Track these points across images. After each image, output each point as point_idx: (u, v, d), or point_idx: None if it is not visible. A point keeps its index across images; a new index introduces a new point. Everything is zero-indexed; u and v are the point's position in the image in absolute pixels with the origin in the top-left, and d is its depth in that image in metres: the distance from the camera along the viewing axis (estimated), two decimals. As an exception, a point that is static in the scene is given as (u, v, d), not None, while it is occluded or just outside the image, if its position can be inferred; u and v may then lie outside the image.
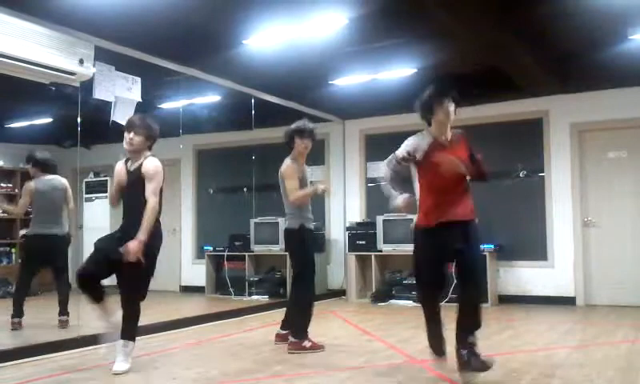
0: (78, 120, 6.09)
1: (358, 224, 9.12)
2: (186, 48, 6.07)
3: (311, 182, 5.54)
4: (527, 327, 6.43)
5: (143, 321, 6.38)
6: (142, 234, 4.33)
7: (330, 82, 7.56)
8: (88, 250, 10.75)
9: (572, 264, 8.04)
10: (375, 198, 9.28)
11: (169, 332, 6.16)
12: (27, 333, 5.52)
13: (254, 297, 9.21)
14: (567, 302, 7.95)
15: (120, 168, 4.66)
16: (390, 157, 4.37)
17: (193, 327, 6.58)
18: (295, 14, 5.36)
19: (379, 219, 8.69)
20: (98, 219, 10.57)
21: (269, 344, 5.42)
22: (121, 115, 6.01)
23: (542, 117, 8.32)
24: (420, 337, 5.44)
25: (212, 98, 8.28)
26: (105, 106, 5.91)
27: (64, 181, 6.68)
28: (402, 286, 8.45)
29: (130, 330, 4.53)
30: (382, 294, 8.58)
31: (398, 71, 7.10)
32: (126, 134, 4.55)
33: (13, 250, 10.65)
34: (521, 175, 8.36)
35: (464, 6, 5.01)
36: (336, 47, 6.19)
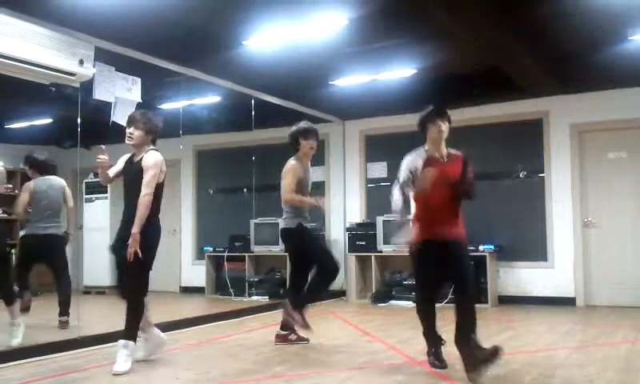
0: (78, 121, 6.09)
1: (358, 224, 9.12)
2: (186, 49, 6.08)
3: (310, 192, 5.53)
4: (527, 328, 6.43)
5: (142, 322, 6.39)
6: (135, 227, 4.37)
7: (330, 83, 7.56)
8: (88, 250, 10.87)
9: (572, 264, 8.04)
10: (375, 199, 9.29)
11: (169, 333, 6.13)
12: (28, 333, 5.51)
13: (254, 297, 9.21)
14: (567, 302, 7.95)
15: (122, 158, 4.80)
16: (398, 183, 4.39)
17: (193, 328, 6.58)
18: (295, 14, 5.36)
19: (379, 220, 8.69)
20: (98, 219, 10.59)
21: (269, 345, 5.42)
22: (121, 116, 6.00)
23: (542, 117, 8.32)
24: (420, 338, 5.45)
25: (212, 99, 8.28)
26: (105, 107, 5.91)
27: (62, 181, 6.67)
28: (402, 286, 8.45)
29: (131, 329, 4.52)
30: (382, 295, 8.58)
31: (398, 72, 7.10)
32: (127, 129, 4.66)
33: (13, 251, 10.63)
34: (521, 176, 8.36)
35: (464, 6, 5.01)
36: (336, 48, 6.19)
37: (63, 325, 6.32)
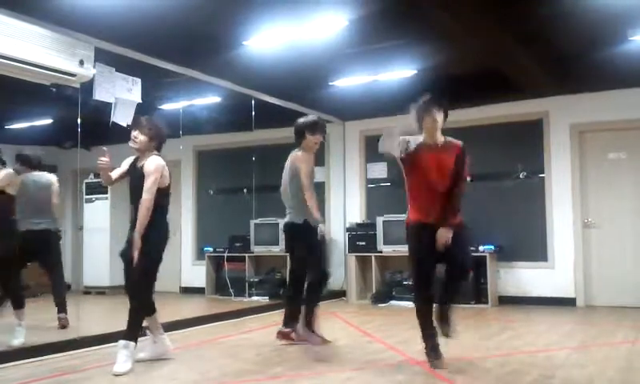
0: (78, 121, 6.09)
1: (358, 225, 9.12)
2: (186, 49, 6.08)
3: None
4: (527, 328, 6.43)
5: (143, 322, 6.39)
6: (136, 232, 4.44)
7: (330, 83, 7.56)
8: (88, 250, 10.85)
9: (572, 265, 8.04)
10: (375, 199, 9.29)
11: (169, 333, 6.13)
12: (27, 334, 5.51)
13: (254, 298, 9.21)
14: (567, 302, 7.95)
15: (127, 161, 4.84)
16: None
17: (193, 328, 6.58)
18: (295, 15, 5.36)
19: (379, 220, 8.69)
20: (98, 220, 10.58)
21: (269, 345, 5.42)
22: (121, 116, 6.01)
23: (542, 118, 8.32)
24: (420, 338, 5.45)
25: (212, 99, 8.28)
26: (105, 108, 5.91)
27: (51, 177, 6.57)
28: (402, 286, 8.45)
29: (132, 330, 4.54)
30: (382, 295, 8.58)
31: (398, 72, 7.10)
32: (132, 132, 4.71)
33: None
34: (521, 176, 8.36)
35: (464, 7, 5.01)
36: (336, 48, 6.19)
37: (63, 322, 6.31)
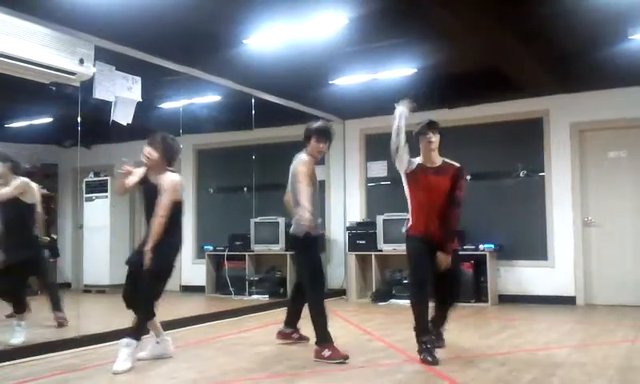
0: (78, 120, 6.09)
1: (358, 224, 9.12)
2: (186, 48, 6.07)
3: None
4: (527, 327, 6.43)
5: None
6: (148, 245, 4.52)
7: (331, 82, 7.56)
8: (88, 249, 10.85)
9: (572, 264, 8.04)
10: (375, 198, 9.29)
11: (169, 331, 6.14)
12: (26, 332, 5.51)
13: (254, 296, 9.21)
14: (567, 301, 7.95)
15: (138, 172, 4.86)
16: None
17: (193, 327, 6.58)
18: (295, 13, 5.36)
19: (379, 219, 8.69)
20: (98, 219, 10.59)
21: (269, 343, 5.42)
22: (121, 115, 6.01)
23: (542, 116, 8.32)
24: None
25: (212, 98, 8.28)
26: (105, 106, 5.91)
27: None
28: (402, 285, 8.44)
29: (136, 330, 4.57)
30: (383, 294, 8.58)
31: (398, 71, 7.10)
32: (145, 148, 4.75)
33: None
34: (521, 175, 8.36)
35: (464, 5, 5.01)
36: (336, 47, 6.19)
37: (61, 321, 6.28)
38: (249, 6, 5.22)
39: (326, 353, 4.62)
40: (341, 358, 4.58)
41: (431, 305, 4.83)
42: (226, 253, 9.64)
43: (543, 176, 8.27)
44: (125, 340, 4.49)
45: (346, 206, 9.58)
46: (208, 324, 6.82)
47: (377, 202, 9.16)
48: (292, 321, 5.40)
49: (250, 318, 7.38)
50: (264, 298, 9.00)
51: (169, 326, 6.27)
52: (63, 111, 7.89)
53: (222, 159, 10.55)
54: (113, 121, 5.96)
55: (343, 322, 6.76)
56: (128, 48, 5.85)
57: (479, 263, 8.04)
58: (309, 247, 4.92)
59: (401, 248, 8.22)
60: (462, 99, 8.33)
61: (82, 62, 5.32)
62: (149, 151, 4.73)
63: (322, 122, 5.13)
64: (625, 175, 7.93)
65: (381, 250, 8.65)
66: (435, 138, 4.74)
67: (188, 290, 10.37)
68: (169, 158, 4.79)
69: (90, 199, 10.74)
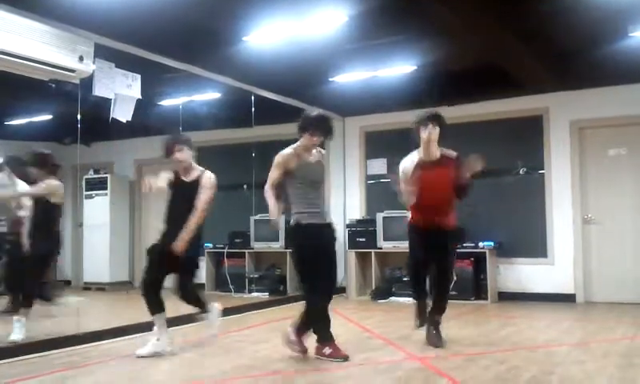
0: (78, 117, 6.08)
1: (358, 221, 9.12)
2: (185, 45, 6.07)
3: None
4: (527, 324, 6.44)
5: (143, 318, 6.40)
6: (187, 233, 4.87)
7: (330, 79, 7.55)
8: (88, 246, 10.84)
9: (572, 261, 8.04)
10: (375, 195, 9.28)
11: (169, 329, 6.15)
12: (28, 329, 5.51)
13: (254, 294, 9.21)
14: (567, 299, 7.95)
15: (165, 175, 5.11)
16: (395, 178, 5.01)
17: (192, 324, 6.57)
18: (295, 11, 5.35)
19: (379, 216, 8.69)
20: (97, 216, 10.59)
21: (269, 341, 5.42)
22: (121, 112, 6.01)
23: (542, 114, 8.31)
24: (420, 334, 5.45)
25: (212, 95, 8.27)
26: (105, 103, 5.91)
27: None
28: (402, 283, 8.45)
29: (202, 304, 5.25)
30: (382, 291, 8.59)
31: (398, 68, 7.09)
32: (176, 153, 4.98)
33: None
34: (521, 172, 8.36)
35: (464, 2, 5.01)
36: (336, 44, 6.18)
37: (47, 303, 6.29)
38: (249, 3, 5.21)
39: (327, 351, 4.59)
40: (341, 358, 4.55)
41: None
42: (225, 250, 9.63)
43: (543, 173, 8.26)
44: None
45: (346, 204, 9.57)
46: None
47: (377, 200, 9.16)
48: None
49: (249, 315, 7.38)
50: (264, 296, 9.00)
51: (169, 323, 6.27)
52: (63, 108, 7.88)
53: (222, 156, 10.50)
54: (112, 118, 5.96)
55: (343, 320, 6.77)
56: (128, 45, 5.84)
57: (479, 261, 8.04)
58: (296, 237, 4.73)
59: (401, 245, 8.30)
60: (462, 96, 8.32)
61: (81, 59, 5.31)
62: (183, 156, 5.01)
63: (317, 112, 4.96)
64: (625, 173, 7.93)
65: (380, 248, 8.65)
66: (435, 131, 4.81)
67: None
68: (193, 150, 5.20)
69: (90, 197, 10.74)
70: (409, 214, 5.25)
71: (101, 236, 10.44)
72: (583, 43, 6.33)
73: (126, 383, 4.24)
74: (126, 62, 5.93)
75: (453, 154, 4.95)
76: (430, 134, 4.80)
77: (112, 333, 5.68)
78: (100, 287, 10.19)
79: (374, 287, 8.68)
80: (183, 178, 5.07)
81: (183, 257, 4.89)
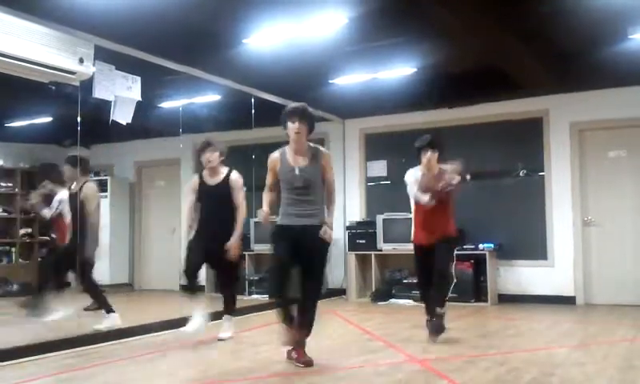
0: (78, 119, 6.08)
1: (358, 223, 9.12)
2: (186, 47, 6.07)
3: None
4: (527, 326, 6.43)
5: (143, 320, 6.41)
6: (239, 233, 5.39)
7: (330, 81, 7.56)
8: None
9: (572, 263, 8.04)
10: (375, 197, 9.29)
11: (169, 331, 6.16)
12: (28, 331, 5.51)
13: (254, 296, 9.21)
14: (567, 301, 7.94)
15: (193, 182, 5.63)
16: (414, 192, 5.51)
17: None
18: (295, 13, 5.36)
19: (379, 218, 8.69)
20: (98, 218, 10.56)
21: (269, 343, 5.41)
22: (121, 114, 6.01)
23: (542, 116, 8.31)
24: (420, 336, 5.46)
25: (212, 97, 8.27)
26: (105, 106, 5.91)
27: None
28: (402, 285, 8.46)
29: (231, 306, 5.75)
30: (382, 293, 8.58)
31: (398, 70, 7.10)
32: (206, 154, 5.46)
33: (13, 250, 10.66)
34: (521, 174, 8.36)
35: (464, 4, 5.01)
36: (336, 46, 6.19)
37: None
38: (249, 5, 5.22)
39: (294, 354, 4.52)
40: (303, 364, 4.41)
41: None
42: (225, 252, 9.62)
43: (543, 175, 8.27)
44: (226, 315, 5.64)
45: (346, 206, 9.57)
46: (208, 323, 6.79)
47: (376, 202, 9.16)
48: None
49: (249, 317, 7.37)
50: (264, 298, 8.98)
51: (169, 325, 6.28)
52: (63, 110, 7.89)
53: (222, 159, 10.53)
54: (112, 120, 5.96)
55: (343, 322, 6.77)
56: (128, 47, 5.85)
57: (479, 263, 8.04)
58: (271, 236, 4.71)
59: (401, 247, 8.30)
60: (462, 98, 8.32)
61: (81, 61, 5.31)
62: (214, 155, 5.48)
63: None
64: (625, 175, 7.93)
65: (380, 250, 8.65)
66: (434, 156, 5.43)
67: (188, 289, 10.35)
68: (222, 153, 5.64)
69: (90, 199, 10.71)
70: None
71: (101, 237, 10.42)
72: (583, 45, 6.34)
73: (126, 385, 4.25)
74: (126, 64, 5.94)
75: (447, 167, 5.40)
76: (429, 160, 5.43)
77: (113, 334, 5.67)
78: (100, 289, 10.16)
79: (373, 289, 8.68)
80: (209, 180, 5.49)
81: (222, 257, 5.37)
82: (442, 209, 5.43)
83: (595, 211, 8.04)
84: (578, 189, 8.08)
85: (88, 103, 5.91)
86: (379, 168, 9.31)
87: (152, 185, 11.17)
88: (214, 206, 5.43)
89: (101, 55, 5.59)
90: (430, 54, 6.53)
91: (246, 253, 9.46)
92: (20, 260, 10.63)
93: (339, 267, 9.36)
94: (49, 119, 9.14)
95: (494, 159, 8.43)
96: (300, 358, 4.46)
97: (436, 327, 5.34)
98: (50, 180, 7.54)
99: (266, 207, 4.68)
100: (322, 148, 4.73)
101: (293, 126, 4.48)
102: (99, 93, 5.73)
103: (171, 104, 8.39)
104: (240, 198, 5.51)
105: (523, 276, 8.26)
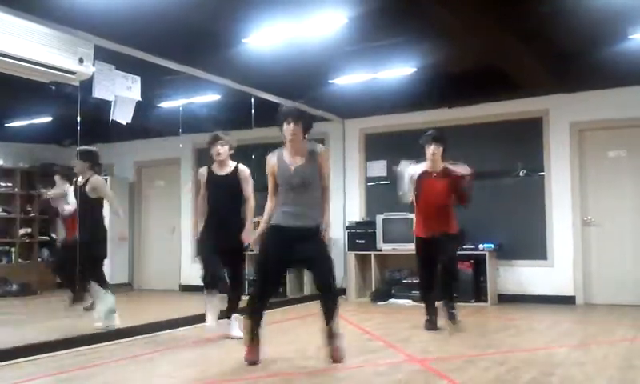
0: (78, 119, 6.08)
1: (358, 223, 9.12)
2: (185, 47, 6.07)
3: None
4: (527, 326, 6.44)
5: (143, 320, 6.41)
6: (250, 224, 5.62)
7: (330, 81, 7.56)
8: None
9: (572, 263, 8.04)
10: (375, 197, 9.28)
11: (168, 331, 6.17)
12: (28, 331, 5.51)
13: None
14: (567, 301, 7.94)
15: (203, 173, 5.69)
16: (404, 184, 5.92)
17: (192, 326, 6.57)
18: (295, 12, 5.36)
19: (379, 218, 8.69)
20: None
21: (268, 343, 5.40)
22: (120, 114, 6.00)
23: (542, 116, 8.31)
24: (420, 336, 5.46)
25: (212, 97, 8.27)
26: (104, 105, 5.91)
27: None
28: (402, 285, 8.46)
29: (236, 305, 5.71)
30: (382, 293, 8.58)
31: (398, 70, 7.10)
32: (217, 146, 5.52)
33: (12, 249, 10.66)
34: (521, 174, 8.36)
35: (464, 4, 5.01)
36: (336, 46, 6.19)
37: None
38: (248, 5, 5.22)
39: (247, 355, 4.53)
40: (249, 361, 4.47)
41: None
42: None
43: (543, 175, 8.27)
44: (235, 315, 5.64)
45: (346, 206, 9.57)
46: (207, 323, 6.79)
47: (376, 202, 9.16)
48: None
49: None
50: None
51: (168, 325, 6.29)
52: (63, 110, 7.89)
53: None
54: (112, 120, 5.95)
55: (342, 322, 6.74)
56: (128, 47, 5.85)
57: (479, 263, 8.04)
58: (265, 236, 4.67)
59: (400, 247, 8.31)
60: (462, 98, 8.33)
61: (81, 61, 5.31)
62: (225, 148, 5.55)
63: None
64: (624, 175, 7.93)
65: (380, 250, 8.65)
66: (438, 150, 5.71)
67: (187, 289, 10.34)
68: (233, 148, 5.73)
69: (90, 198, 10.71)
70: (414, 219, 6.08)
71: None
72: (583, 45, 6.34)
73: (126, 385, 4.25)
74: (126, 64, 5.93)
75: (456, 169, 5.74)
76: (433, 153, 5.70)
77: (113, 334, 5.67)
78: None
79: (373, 289, 8.68)
80: (218, 172, 5.59)
81: (237, 248, 5.54)
82: (444, 206, 5.68)
83: (595, 211, 8.05)
84: (577, 189, 8.08)
85: (88, 103, 5.91)
86: (379, 168, 9.31)
87: (152, 185, 11.17)
88: (223, 197, 5.54)
89: (101, 55, 5.59)
90: (429, 54, 6.53)
91: (246, 253, 9.44)
92: (19, 260, 10.63)
93: (339, 267, 9.35)
94: (49, 119, 9.14)
95: (493, 159, 8.42)
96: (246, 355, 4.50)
97: (453, 316, 5.77)
98: (60, 175, 7.56)
99: (266, 215, 4.70)
100: (318, 146, 4.71)
101: (288, 128, 4.51)
102: (99, 93, 5.73)
103: (171, 104, 8.39)
104: (249, 189, 5.65)
105: (523, 276, 8.26)
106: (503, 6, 5.17)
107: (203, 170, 5.71)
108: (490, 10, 5.19)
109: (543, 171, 8.27)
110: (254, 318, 4.57)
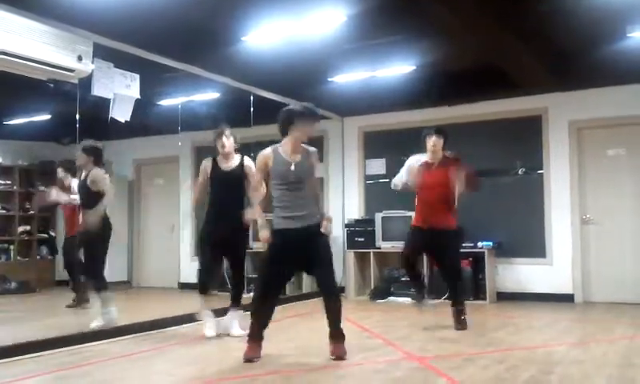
0: (77, 117, 6.08)
1: (357, 221, 9.12)
2: (184, 45, 6.07)
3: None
4: (526, 324, 6.44)
5: (142, 318, 6.41)
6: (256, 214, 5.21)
7: (329, 79, 7.55)
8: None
9: (570, 261, 8.04)
10: (374, 195, 9.28)
11: (167, 329, 6.17)
12: (27, 329, 5.51)
13: (252, 294, 9.18)
14: (566, 299, 7.95)
15: (206, 166, 5.67)
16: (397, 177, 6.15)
17: (191, 324, 6.57)
18: (294, 10, 5.36)
19: (378, 216, 8.69)
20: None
21: (267, 341, 5.40)
22: (119, 112, 6.00)
23: (541, 114, 8.31)
24: (419, 334, 5.46)
25: (211, 95, 8.27)
26: (103, 103, 5.90)
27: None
28: (401, 283, 8.45)
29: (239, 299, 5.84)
30: (381, 291, 8.58)
31: (397, 68, 7.10)
32: (222, 139, 5.53)
33: (11, 247, 10.66)
34: (520, 172, 8.36)
35: (463, 2, 5.01)
36: (335, 44, 6.19)
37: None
38: (247, 3, 5.21)
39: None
40: (245, 358, 4.52)
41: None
42: (224, 250, 9.60)
43: (542, 174, 8.27)
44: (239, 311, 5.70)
45: (345, 204, 9.57)
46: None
47: (375, 200, 9.16)
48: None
49: (249, 315, 7.35)
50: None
51: (167, 323, 6.29)
52: (61, 108, 7.89)
53: (221, 156, 10.52)
54: (111, 118, 5.95)
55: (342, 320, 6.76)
56: (127, 45, 5.84)
57: (478, 260, 8.05)
58: (270, 244, 4.77)
59: (399, 245, 8.26)
60: (461, 96, 8.32)
61: (80, 58, 5.31)
62: (230, 141, 5.57)
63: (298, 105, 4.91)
64: (624, 173, 7.93)
65: (379, 248, 8.65)
66: (438, 143, 5.78)
67: (186, 287, 10.34)
68: (237, 143, 5.75)
69: (88, 196, 10.70)
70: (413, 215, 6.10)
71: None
72: (582, 44, 6.34)
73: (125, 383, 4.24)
74: (124, 62, 5.93)
75: (452, 156, 5.82)
76: (434, 144, 5.78)
77: (111, 332, 5.67)
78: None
79: (372, 287, 8.68)
80: (223, 166, 5.60)
81: (239, 241, 5.71)
82: (444, 198, 5.74)
83: (594, 209, 8.05)
84: (576, 187, 8.08)
85: (87, 101, 5.90)
86: (378, 166, 9.31)
87: (151, 182, 11.16)
88: (228, 190, 5.54)
89: (99, 53, 5.58)
90: (428, 52, 6.53)
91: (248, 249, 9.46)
92: (18, 257, 10.63)
93: (338, 265, 9.35)
94: (47, 117, 9.13)
95: (492, 157, 8.42)
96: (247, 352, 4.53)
97: (463, 323, 5.81)
98: (63, 168, 7.56)
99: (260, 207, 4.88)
100: (310, 147, 4.82)
101: (307, 129, 4.73)
102: (98, 90, 5.73)
103: (170, 102, 8.38)
104: (255, 179, 5.40)
105: (522, 274, 8.27)
106: (502, 5, 5.17)
107: (207, 162, 5.68)
108: (489, 9, 5.19)
109: (542, 169, 8.27)
110: (258, 319, 4.66)
